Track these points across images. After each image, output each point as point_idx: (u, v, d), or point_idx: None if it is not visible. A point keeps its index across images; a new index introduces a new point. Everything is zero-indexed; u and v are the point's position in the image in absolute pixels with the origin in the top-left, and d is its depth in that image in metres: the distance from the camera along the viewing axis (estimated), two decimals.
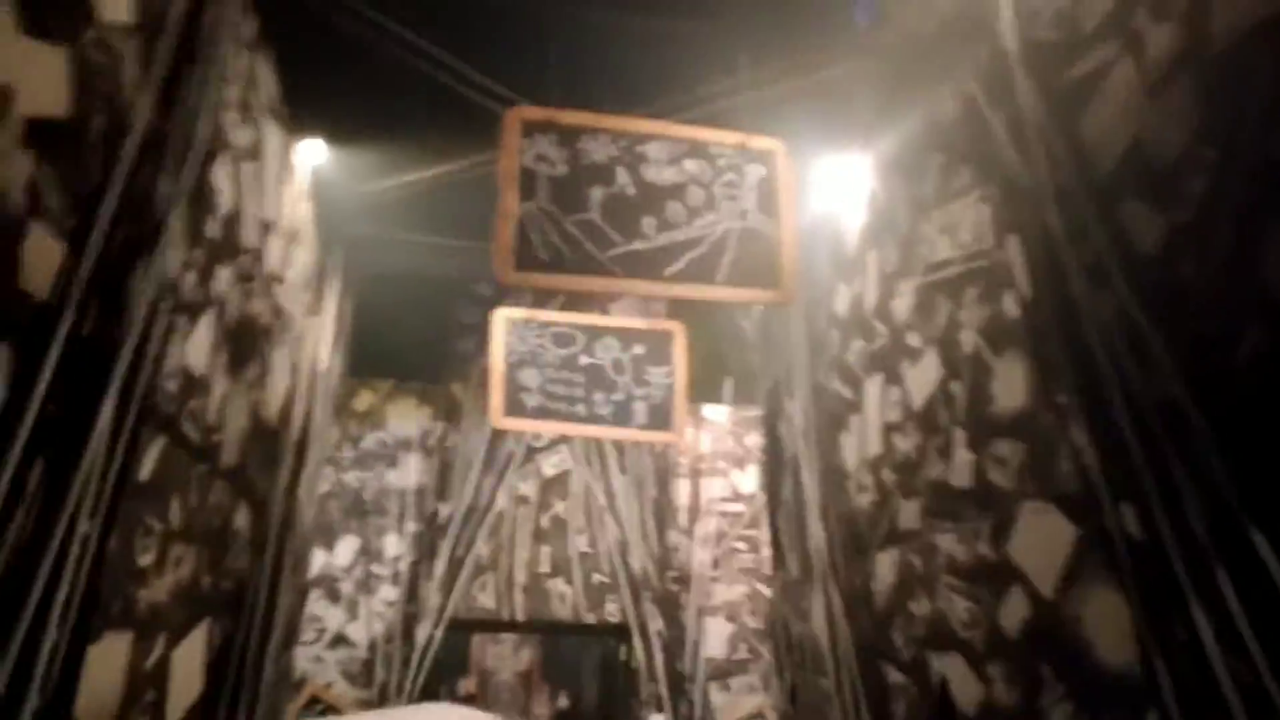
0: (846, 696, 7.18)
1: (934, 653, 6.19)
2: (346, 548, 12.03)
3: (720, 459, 13.22)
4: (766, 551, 13.00)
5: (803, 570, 8.33)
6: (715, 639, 12.52)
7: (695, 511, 12.94)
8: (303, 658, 11.51)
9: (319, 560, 11.90)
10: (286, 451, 7.56)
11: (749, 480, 13.29)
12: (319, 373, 8.37)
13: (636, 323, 8.93)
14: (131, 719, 5.03)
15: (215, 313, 5.95)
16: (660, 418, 8.61)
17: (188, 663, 5.89)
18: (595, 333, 8.81)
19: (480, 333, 13.11)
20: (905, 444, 6.74)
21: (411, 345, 12.68)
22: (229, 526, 6.46)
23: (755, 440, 13.47)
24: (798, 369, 8.54)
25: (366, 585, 11.89)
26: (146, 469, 5.05)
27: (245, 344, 6.64)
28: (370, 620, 11.77)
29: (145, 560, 5.16)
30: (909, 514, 6.63)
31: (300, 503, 7.95)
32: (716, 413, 13.43)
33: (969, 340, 6.05)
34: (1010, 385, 5.63)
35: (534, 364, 8.65)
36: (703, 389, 13.33)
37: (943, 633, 6.06)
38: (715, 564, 12.79)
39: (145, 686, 5.23)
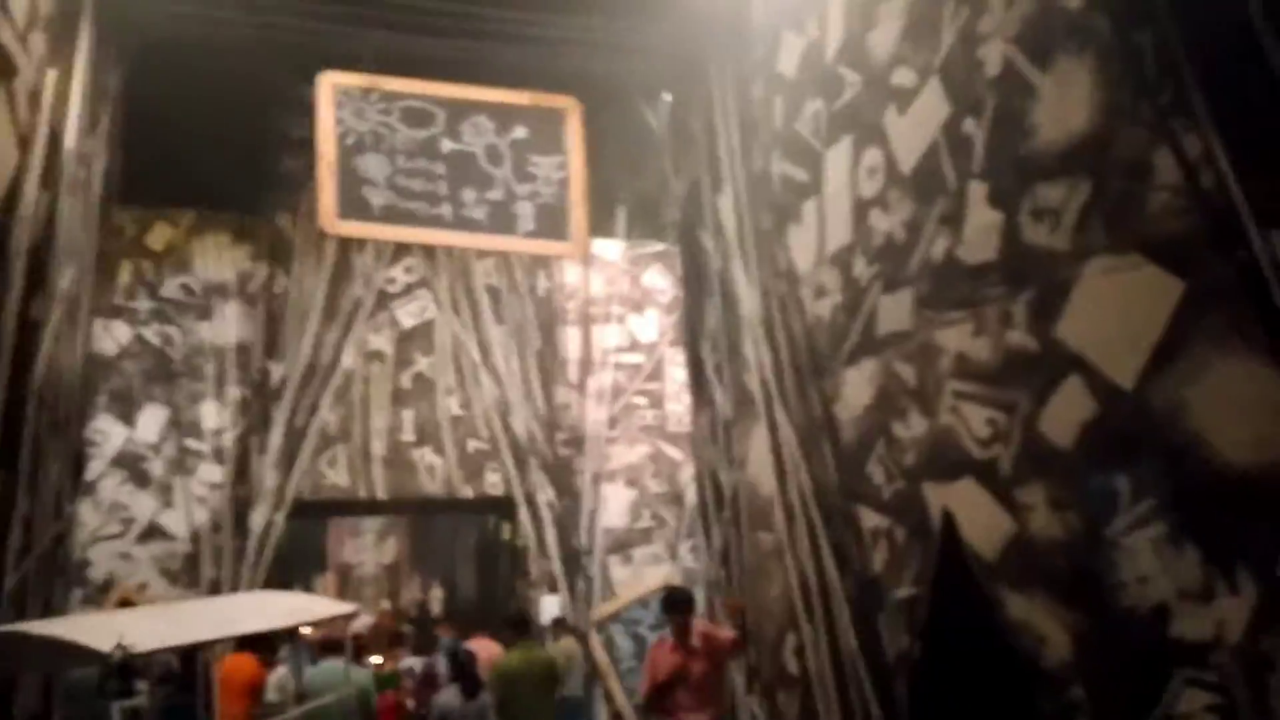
0: (803, 551, 5.69)
1: (932, 483, 4.69)
2: (152, 419, 9.59)
3: (615, 303, 11.37)
4: (671, 406, 11.43)
5: (737, 407, 6.70)
6: (614, 507, 10.96)
7: (587, 364, 11.13)
8: (107, 554, 9.20)
9: (117, 436, 9.45)
10: (15, 258, 5.15)
11: (649, 326, 11.54)
12: (66, 155, 5.85)
13: (515, 97, 6.77)
14: None
15: None
16: (552, 222, 6.61)
17: None
18: (461, 109, 6.61)
19: (313, 150, 10.56)
20: (888, 221, 5.05)
21: (221, 164, 9.96)
22: None
23: (655, 280, 11.67)
24: (726, 157, 6.68)
25: (182, 464, 9.56)
26: None
27: None
28: (190, 507, 9.51)
29: None
30: (894, 311, 5.00)
31: (49, 334, 5.58)
32: (609, 249, 11.48)
33: (995, 56, 4.31)
34: (1066, 103, 3.94)
35: (378, 149, 6.42)
36: (591, 222, 11.33)
37: (947, 456, 4.54)
38: (612, 423, 11.11)
39: None
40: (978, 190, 4.35)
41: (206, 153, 9.89)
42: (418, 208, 6.31)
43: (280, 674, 7.49)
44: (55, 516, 5.84)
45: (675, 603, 5.59)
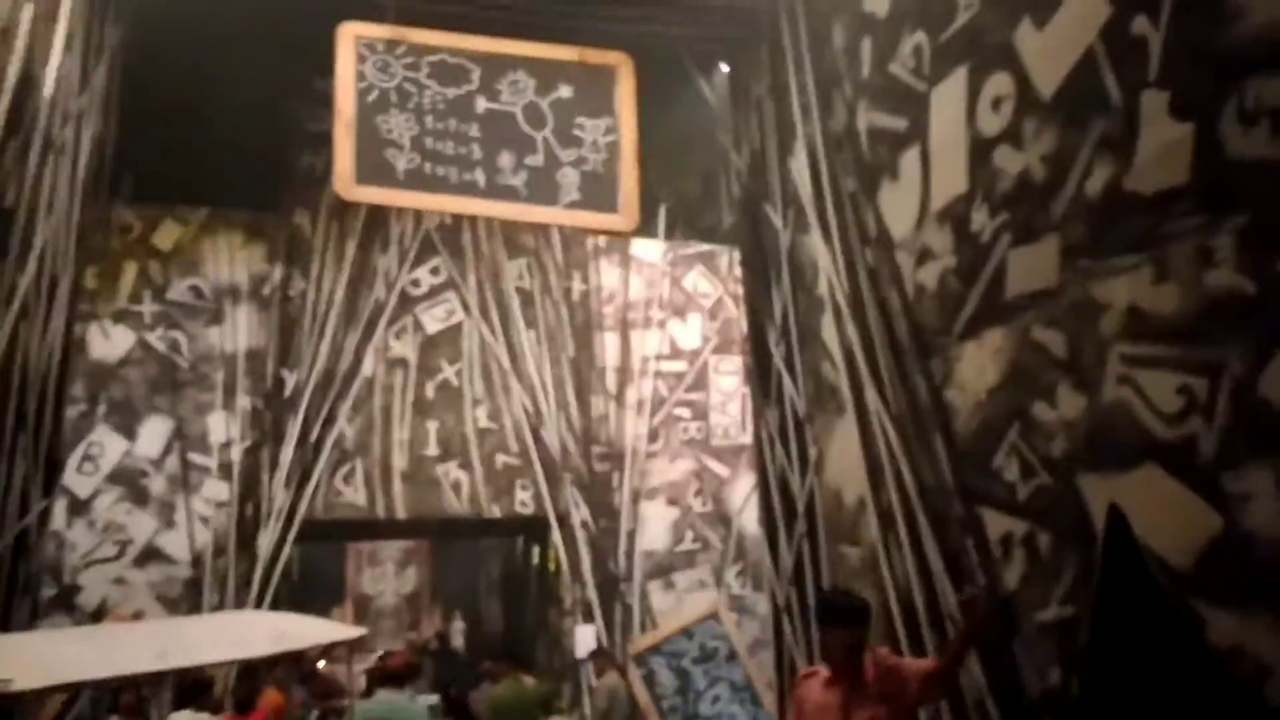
0: (904, 566, 4.76)
1: (1093, 475, 3.76)
2: (154, 432, 8.79)
3: (655, 307, 10.54)
4: (716, 418, 10.55)
5: (814, 401, 5.80)
6: (655, 528, 10.04)
7: (626, 373, 10.28)
8: (101, 579, 8.34)
9: (115, 449, 8.64)
10: None
11: (691, 332, 10.69)
12: (44, 105, 5.10)
13: (560, 52, 5.98)
14: None
15: None
16: (599, 192, 5.79)
17: None
18: (499, 64, 5.83)
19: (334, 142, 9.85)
20: (1021, 159, 4.18)
21: (234, 159, 9.25)
22: None
23: (698, 284, 10.85)
24: (800, 119, 5.86)
25: (185, 481, 8.73)
26: None
27: None
28: (193, 527, 8.66)
29: None
30: (1031, 266, 4.11)
31: (11, 307, 4.78)
32: (648, 250, 10.68)
33: None
34: None
35: (405, 107, 5.64)
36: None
37: (1116, 439, 3.62)
38: (653, 436, 10.22)
39: None
40: (1155, 101, 3.47)
41: (219, 147, 9.19)
42: (448, 173, 5.52)
43: None
44: (18, 552, 5.01)
45: (835, 610, 3.60)
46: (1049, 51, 4.00)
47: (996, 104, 4.31)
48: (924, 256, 4.82)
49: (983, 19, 4.42)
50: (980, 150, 4.42)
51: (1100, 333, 3.70)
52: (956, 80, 4.59)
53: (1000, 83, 4.28)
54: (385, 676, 6.33)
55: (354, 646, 5.80)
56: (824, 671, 3.64)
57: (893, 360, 4.95)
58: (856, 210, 5.32)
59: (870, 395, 4.99)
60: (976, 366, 4.41)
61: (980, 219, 4.41)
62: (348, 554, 16.78)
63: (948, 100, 4.66)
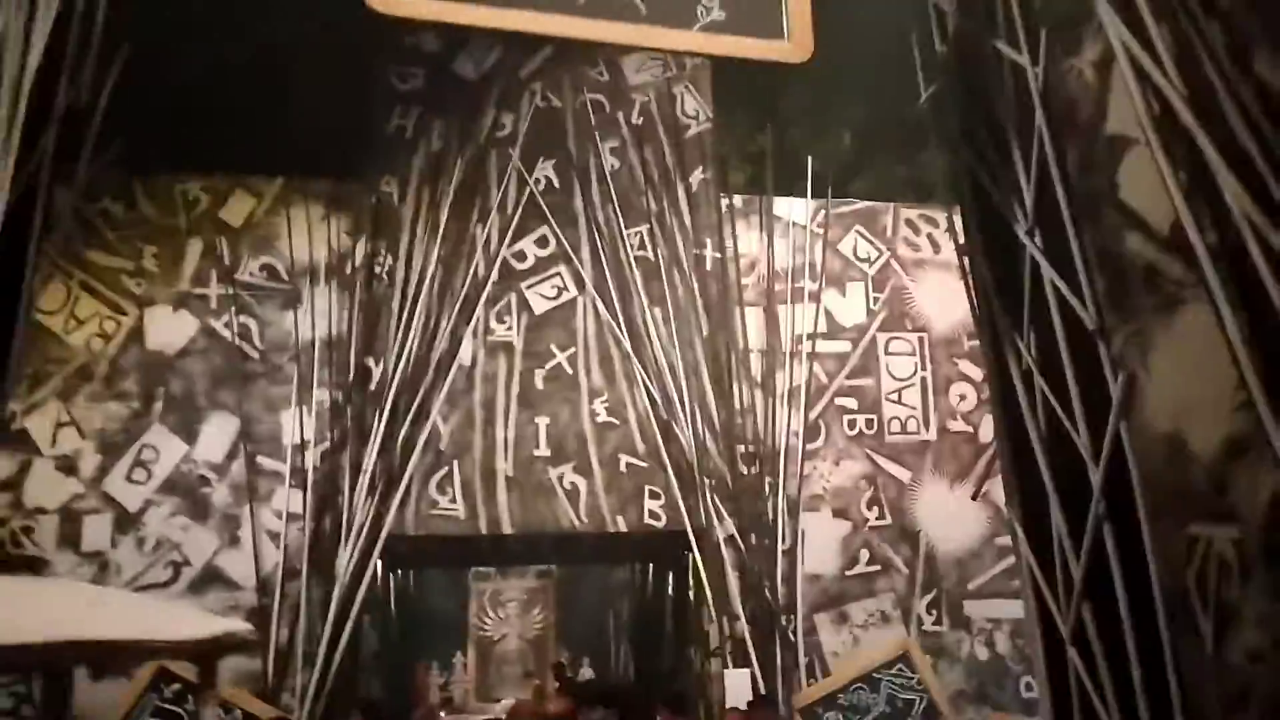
0: None
1: None
2: (218, 432, 7.43)
3: (806, 277, 8.57)
4: (891, 410, 8.43)
5: (1112, 298, 3.69)
6: (820, 546, 7.95)
7: (773, 355, 8.32)
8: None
9: (171, 453, 7.32)
10: None
11: (852, 306, 8.65)
12: None
13: None
14: None
15: None
16: (754, 9, 3.98)
17: None
18: None
19: (424, 101, 8.53)
20: None
21: (314, 123, 7.98)
22: None
23: (858, 247, 8.82)
24: None
25: (254, 490, 7.31)
26: None
27: None
28: (261, 545, 7.21)
29: None
30: None
31: None
32: (794, 209, 8.76)
33: None
34: None
35: None
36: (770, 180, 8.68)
37: None
38: (811, 433, 8.18)
39: None
40: None
41: (296, 110, 8.01)
42: None
43: None
44: None
45: None
46: None
47: None
48: None
49: None
50: None
51: None
52: None
53: None
54: None
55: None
56: None
57: None
58: None
59: (1258, 253, 2.87)
60: None
61: None
62: (469, 594, 15.43)
63: None
